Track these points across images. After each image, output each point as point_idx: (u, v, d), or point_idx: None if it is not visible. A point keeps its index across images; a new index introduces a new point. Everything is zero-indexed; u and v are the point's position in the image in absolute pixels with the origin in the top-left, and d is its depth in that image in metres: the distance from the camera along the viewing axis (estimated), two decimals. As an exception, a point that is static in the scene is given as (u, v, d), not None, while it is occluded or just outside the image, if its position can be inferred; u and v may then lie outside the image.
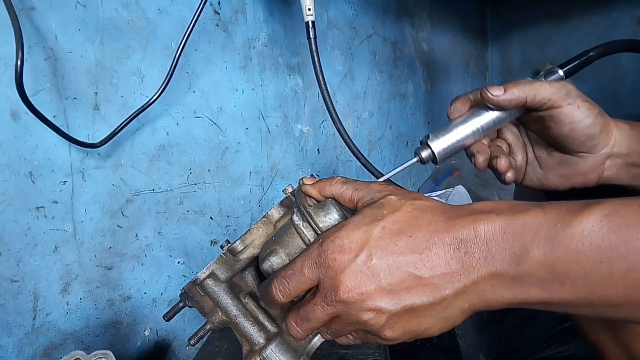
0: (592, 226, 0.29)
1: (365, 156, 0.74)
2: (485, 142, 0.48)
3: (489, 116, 0.45)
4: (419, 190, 1.31)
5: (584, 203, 0.31)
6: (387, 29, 1.18)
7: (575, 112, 0.43)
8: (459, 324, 0.34)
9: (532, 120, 0.47)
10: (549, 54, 1.44)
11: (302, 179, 0.42)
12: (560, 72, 0.50)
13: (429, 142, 0.45)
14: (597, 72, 1.31)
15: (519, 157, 0.50)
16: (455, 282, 0.32)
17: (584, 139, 0.44)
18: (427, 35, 1.33)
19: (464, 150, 0.48)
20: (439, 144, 0.45)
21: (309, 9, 0.71)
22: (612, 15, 1.27)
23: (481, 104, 0.46)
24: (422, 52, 1.32)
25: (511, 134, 0.50)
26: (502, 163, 0.46)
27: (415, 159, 0.46)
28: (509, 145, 0.50)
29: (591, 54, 0.56)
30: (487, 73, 1.64)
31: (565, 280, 0.29)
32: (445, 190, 1.16)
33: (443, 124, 0.47)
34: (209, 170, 0.78)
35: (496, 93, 0.42)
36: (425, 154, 0.45)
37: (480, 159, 0.46)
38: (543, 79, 0.48)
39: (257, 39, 0.84)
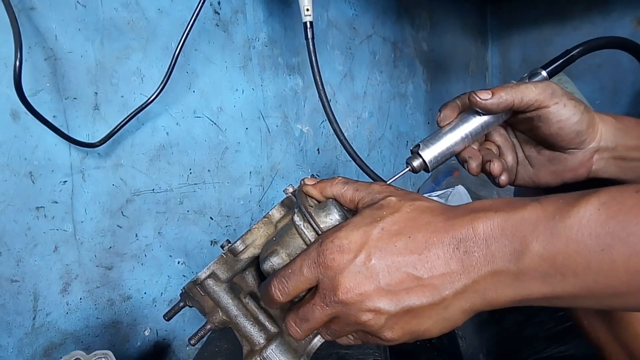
0: (590, 215, 0.29)
1: (365, 156, 0.74)
2: (475, 146, 0.49)
3: (477, 121, 0.46)
4: (418, 190, 1.31)
5: (581, 193, 0.31)
6: (387, 29, 1.18)
7: (563, 111, 0.44)
8: (460, 324, 0.34)
9: (520, 122, 0.48)
10: (549, 54, 1.44)
11: (303, 179, 0.42)
12: (544, 73, 0.51)
13: (420, 152, 0.46)
14: (597, 72, 1.31)
15: (510, 158, 0.51)
16: (455, 282, 0.31)
17: (572, 135, 0.45)
18: (427, 35, 1.33)
19: (455, 156, 0.48)
20: (430, 153, 0.46)
21: (307, 10, 0.71)
22: (612, 15, 1.27)
23: (469, 110, 0.47)
24: (422, 52, 1.32)
25: (499, 136, 0.51)
26: (495, 167, 0.47)
27: (407, 169, 0.47)
28: (498, 147, 0.51)
29: (572, 53, 0.57)
30: (487, 73, 1.64)
31: (567, 271, 0.29)
32: (445, 190, 1.16)
33: (433, 131, 0.48)
34: (209, 170, 0.78)
35: (484, 97, 0.43)
36: (416, 163, 0.46)
37: (473, 165, 0.47)
38: (527, 81, 0.49)
39: (257, 39, 0.84)
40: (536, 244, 0.29)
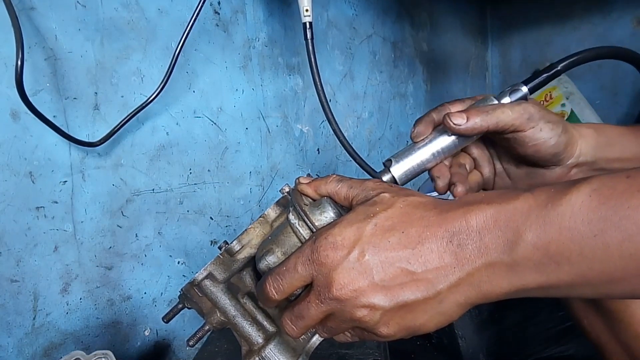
0: (581, 201, 0.29)
1: (365, 156, 0.74)
2: (447, 162, 0.49)
3: (450, 139, 0.47)
4: (419, 190, 1.31)
5: (573, 181, 0.31)
6: (387, 29, 1.18)
7: (538, 135, 0.44)
8: (456, 319, 0.34)
9: (497, 139, 0.48)
10: (549, 54, 1.44)
11: (298, 178, 0.42)
12: (525, 89, 0.49)
13: (390, 168, 0.47)
14: (597, 72, 1.31)
15: (486, 170, 0.51)
16: (449, 275, 0.31)
17: (548, 157, 0.45)
18: (427, 35, 1.33)
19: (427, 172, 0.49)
20: (399, 169, 0.47)
21: (307, 10, 0.71)
22: (612, 15, 1.27)
23: (444, 126, 0.46)
24: (422, 52, 1.32)
25: (476, 148, 0.51)
26: (458, 191, 0.47)
27: None
28: (474, 159, 0.51)
29: (558, 68, 0.54)
30: (487, 73, 1.64)
31: (562, 259, 0.29)
32: (446, 190, 1.16)
33: (406, 146, 0.48)
34: (209, 170, 0.78)
35: (458, 122, 0.43)
36: (386, 178, 0.47)
37: (440, 184, 0.47)
38: (508, 97, 0.48)
39: (257, 39, 0.84)
40: (529, 234, 0.29)
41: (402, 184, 0.47)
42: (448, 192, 1.19)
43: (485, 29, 1.62)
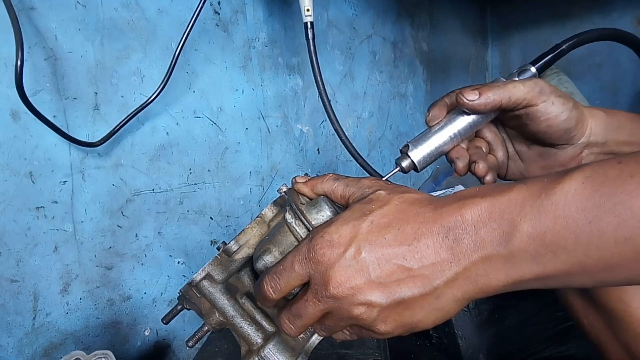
0: (575, 189, 0.29)
1: (365, 156, 0.74)
2: (464, 145, 0.49)
3: (466, 120, 0.46)
4: (419, 189, 1.31)
5: (565, 170, 0.31)
6: (387, 29, 1.18)
7: (551, 108, 0.44)
8: (454, 314, 0.33)
9: (508, 119, 0.48)
10: (549, 54, 1.44)
11: (295, 177, 0.42)
12: (533, 69, 0.50)
13: (408, 152, 0.46)
14: (597, 72, 1.31)
15: (500, 154, 0.51)
16: (445, 270, 0.31)
17: (560, 133, 0.45)
18: (427, 35, 1.33)
19: (444, 155, 0.48)
20: (418, 153, 0.46)
21: (308, 10, 0.71)
22: (612, 15, 1.27)
23: (458, 109, 0.47)
24: (422, 52, 1.32)
25: (489, 132, 0.51)
26: (480, 168, 0.47)
27: (396, 169, 0.47)
28: (488, 143, 0.51)
29: (562, 47, 0.55)
30: (487, 73, 1.64)
31: (558, 248, 0.29)
32: (446, 190, 1.16)
33: (422, 131, 0.48)
34: (209, 170, 0.78)
35: (471, 97, 0.43)
36: (405, 163, 0.46)
37: (460, 165, 0.47)
38: (516, 78, 0.49)
39: (257, 39, 0.84)
40: (524, 224, 0.29)
41: (421, 169, 0.47)
42: (450, 189, 1.18)
43: (485, 29, 1.62)
